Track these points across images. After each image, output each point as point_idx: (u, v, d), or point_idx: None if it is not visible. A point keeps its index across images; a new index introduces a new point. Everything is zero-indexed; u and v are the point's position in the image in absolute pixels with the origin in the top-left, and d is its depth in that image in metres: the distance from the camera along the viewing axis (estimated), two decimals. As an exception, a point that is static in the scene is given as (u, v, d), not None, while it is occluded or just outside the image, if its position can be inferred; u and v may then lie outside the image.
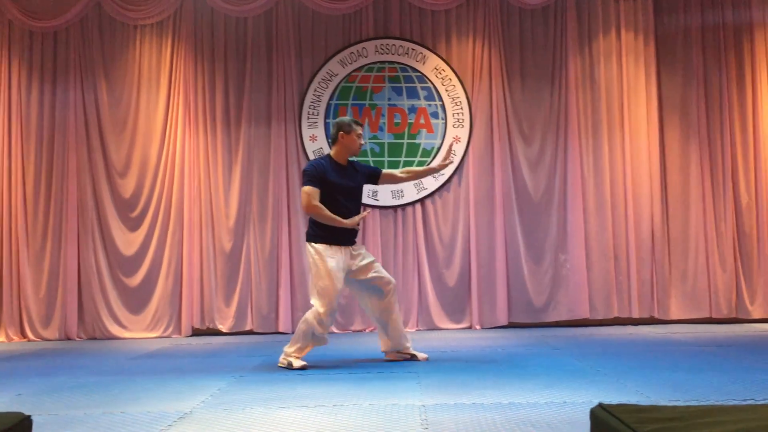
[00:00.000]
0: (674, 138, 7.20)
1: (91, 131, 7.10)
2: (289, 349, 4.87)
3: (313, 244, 4.81)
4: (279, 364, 4.88)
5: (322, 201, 4.79)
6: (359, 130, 5.02)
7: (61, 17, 7.07)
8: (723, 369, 4.41)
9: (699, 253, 7.08)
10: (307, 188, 4.80)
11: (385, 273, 5.05)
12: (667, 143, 7.21)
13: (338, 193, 4.85)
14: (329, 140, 5.07)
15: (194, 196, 7.06)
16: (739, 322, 7.02)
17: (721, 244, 7.10)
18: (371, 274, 4.94)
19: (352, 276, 4.91)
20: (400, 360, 5.03)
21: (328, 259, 4.75)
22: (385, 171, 5.28)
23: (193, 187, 7.06)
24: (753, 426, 1.80)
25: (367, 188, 6.98)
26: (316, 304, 4.74)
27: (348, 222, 4.81)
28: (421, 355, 5.07)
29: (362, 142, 5.12)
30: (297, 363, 4.79)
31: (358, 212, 5.01)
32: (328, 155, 5.03)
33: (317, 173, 4.82)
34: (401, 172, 5.38)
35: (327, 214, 4.77)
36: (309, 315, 4.77)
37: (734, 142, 7.20)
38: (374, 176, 5.17)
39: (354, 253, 4.92)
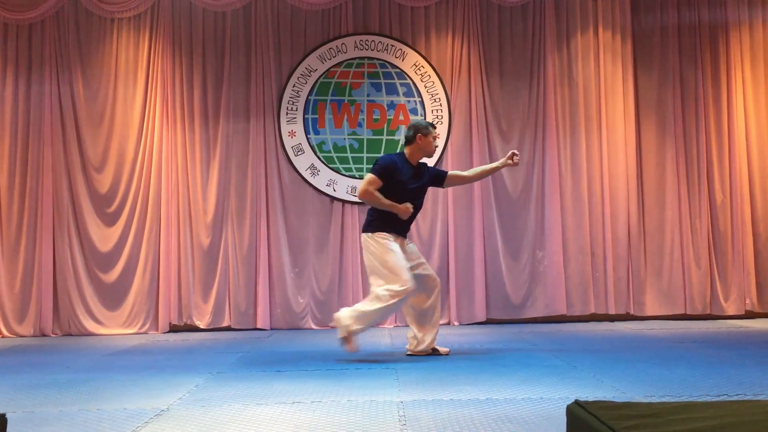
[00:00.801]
0: (650, 136, 7.27)
1: (66, 125, 7.02)
2: (355, 326, 4.77)
3: (371, 234, 4.89)
4: (339, 335, 4.82)
5: (386, 197, 4.88)
6: (435, 133, 5.13)
7: (36, 9, 6.98)
8: (697, 365, 4.46)
9: (674, 250, 7.16)
10: (370, 176, 4.89)
11: (431, 271, 5.13)
12: (643, 141, 7.27)
13: (404, 192, 4.93)
14: (404, 141, 5.11)
15: (172, 191, 7.01)
16: (713, 318, 7.10)
17: (695, 241, 7.19)
18: (420, 270, 5.01)
19: None
20: (423, 355, 5.03)
21: (390, 243, 4.87)
22: (451, 172, 5.35)
23: (171, 183, 7.01)
24: (726, 422, 1.83)
25: (346, 184, 6.99)
26: (393, 285, 4.72)
27: (401, 207, 4.88)
28: (443, 350, 5.10)
29: (437, 144, 5.25)
30: (354, 344, 4.81)
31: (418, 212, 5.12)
32: (402, 153, 5.08)
33: (388, 168, 4.92)
34: (468, 172, 5.42)
35: (382, 200, 4.87)
36: (380, 292, 4.73)
37: (709, 140, 7.28)
38: (440, 178, 5.24)
39: (407, 245, 5.05)
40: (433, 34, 7.23)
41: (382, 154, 7.06)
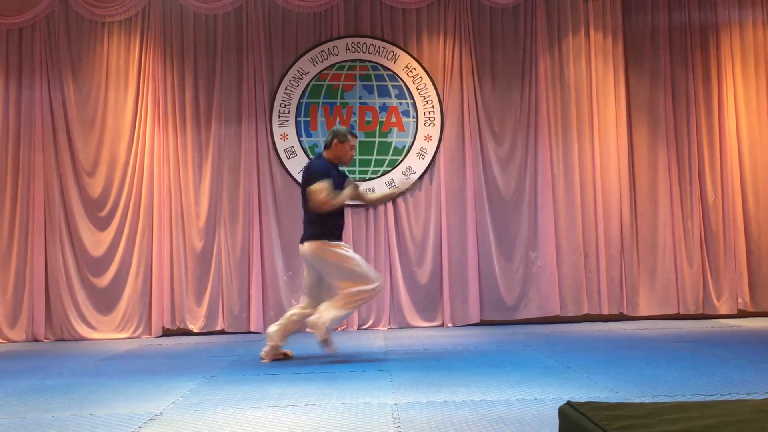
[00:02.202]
0: (642, 136, 7.29)
1: (58, 129, 6.99)
2: (331, 322, 4.88)
3: (326, 241, 4.96)
4: (319, 338, 4.89)
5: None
6: (353, 142, 5.18)
7: (26, 13, 6.95)
8: (690, 364, 4.48)
9: (667, 250, 7.18)
10: (321, 183, 4.89)
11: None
12: (635, 142, 7.30)
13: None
14: (323, 145, 5.19)
15: (164, 195, 6.99)
16: (705, 318, 7.13)
17: (688, 241, 7.21)
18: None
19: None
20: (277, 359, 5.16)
21: (344, 248, 5.03)
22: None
23: (163, 186, 7.00)
24: (719, 422, 1.83)
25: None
26: (362, 286, 4.88)
27: (352, 192, 5.03)
28: (289, 352, 5.26)
29: (353, 153, 5.28)
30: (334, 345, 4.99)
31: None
32: (325, 158, 5.15)
33: (327, 170, 4.99)
34: (370, 195, 5.56)
35: (342, 197, 4.96)
36: (353, 291, 4.87)
37: (701, 140, 7.31)
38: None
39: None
40: (424, 36, 7.23)
41: (374, 156, 7.07)
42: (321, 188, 4.87)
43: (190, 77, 7.08)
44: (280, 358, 5.16)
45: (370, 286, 4.93)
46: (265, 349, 5.14)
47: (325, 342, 4.91)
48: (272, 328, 5.15)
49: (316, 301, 5.08)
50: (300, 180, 6.96)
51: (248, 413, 3.43)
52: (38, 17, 7.00)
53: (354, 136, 5.20)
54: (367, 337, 6.24)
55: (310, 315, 5.02)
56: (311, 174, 4.99)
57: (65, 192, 6.94)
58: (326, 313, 4.88)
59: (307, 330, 5.18)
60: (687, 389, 3.69)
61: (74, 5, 7.00)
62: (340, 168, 5.28)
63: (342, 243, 5.07)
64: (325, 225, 4.99)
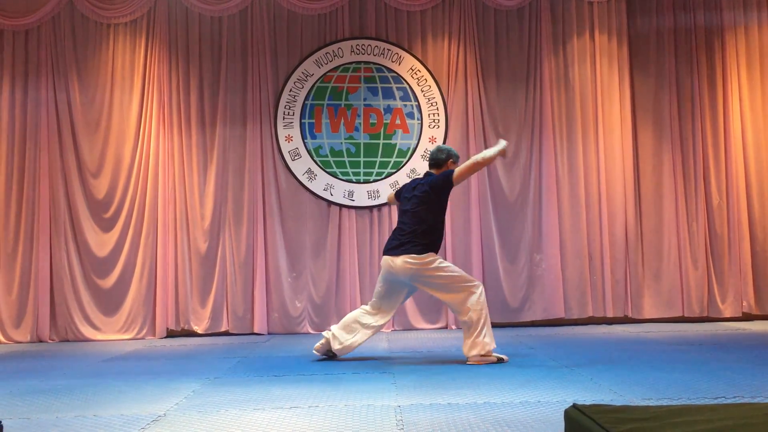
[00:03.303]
0: (647, 138, 7.28)
1: (63, 131, 7.01)
2: (485, 344, 4.81)
3: (432, 254, 4.90)
4: (474, 362, 4.80)
5: (441, 211, 5.03)
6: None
7: (32, 15, 6.98)
8: (695, 367, 4.46)
9: (671, 252, 7.16)
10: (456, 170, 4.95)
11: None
12: (640, 144, 7.28)
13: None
14: (433, 162, 5.17)
15: (169, 196, 7.00)
16: (710, 320, 7.11)
17: (692, 243, 7.19)
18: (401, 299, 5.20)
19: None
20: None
21: (443, 260, 5.02)
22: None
23: (168, 188, 7.00)
24: (724, 425, 1.82)
25: (343, 188, 7.00)
26: (475, 293, 4.88)
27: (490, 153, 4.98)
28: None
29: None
30: (501, 355, 4.89)
31: None
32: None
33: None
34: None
35: (490, 154, 4.96)
36: (474, 303, 4.85)
37: (706, 143, 7.29)
38: None
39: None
40: (429, 38, 7.23)
41: (379, 158, 7.06)
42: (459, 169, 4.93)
43: (195, 79, 7.09)
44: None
45: (478, 289, 4.99)
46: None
47: (494, 359, 4.90)
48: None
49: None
50: (301, 181, 7.00)
51: (252, 415, 3.43)
52: (44, 19, 7.02)
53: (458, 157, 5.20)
54: (370, 339, 6.22)
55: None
56: (438, 178, 4.97)
57: (70, 193, 6.96)
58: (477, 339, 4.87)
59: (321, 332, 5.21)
60: (692, 392, 3.68)
61: (80, 7, 7.02)
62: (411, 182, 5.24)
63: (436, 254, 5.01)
64: (425, 235, 4.94)
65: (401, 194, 5.22)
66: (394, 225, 6.98)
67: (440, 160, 5.12)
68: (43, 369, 5.14)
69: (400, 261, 4.88)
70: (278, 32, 7.17)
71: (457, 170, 4.94)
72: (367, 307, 5.13)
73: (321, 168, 7.04)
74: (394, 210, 7.05)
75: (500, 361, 4.84)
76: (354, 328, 5.06)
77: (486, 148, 7.12)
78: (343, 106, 7.13)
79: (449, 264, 5.02)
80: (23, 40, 7.06)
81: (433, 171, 5.14)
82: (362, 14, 7.21)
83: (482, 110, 7.17)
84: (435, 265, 4.89)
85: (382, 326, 5.13)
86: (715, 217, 7.24)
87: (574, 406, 2.13)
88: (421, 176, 5.41)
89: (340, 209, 7.06)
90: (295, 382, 4.29)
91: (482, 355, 4.79)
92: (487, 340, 4.82)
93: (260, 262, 6.92)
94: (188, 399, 3.87)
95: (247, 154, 7.04)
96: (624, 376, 4.21)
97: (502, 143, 5.01)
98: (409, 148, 7.11)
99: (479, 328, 4.82)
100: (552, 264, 7.05)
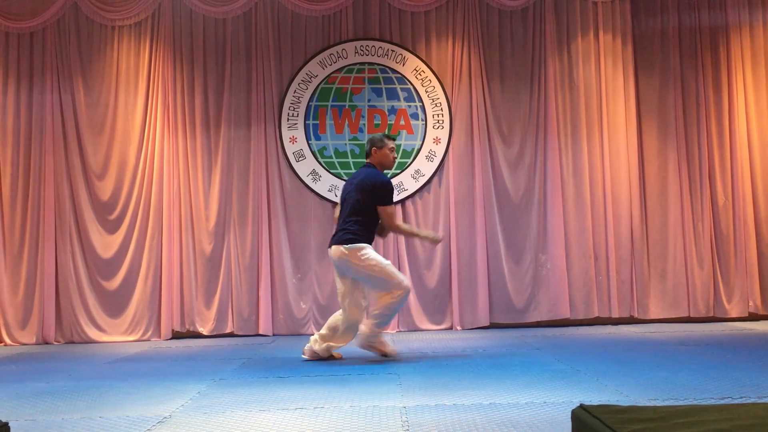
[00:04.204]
0: (652, 139, 7.27)
1: (68, 133, 7.03)
2: (376, 335, 5.08)
3: (361, 244, 4.98)
4: (364, 347, 5.10)
5: (373, 212, 5.08)
6: (391, 144, 5.23)
7: (37, 18, 7.00)
8: (701, 368, 4.45)
9: (677, 252, 7.14)
10: (391, 207, 5.11)
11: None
12: (645, 144, 7.27)
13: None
14: (365, 155, 5.31)
15: (174, 198, 7.01)
16: (716, 320, 7.09)
17: (698, 243, 7.18)
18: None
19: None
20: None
21: (377, 254, 5.09)
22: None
23: (173, 190, 7.01)
24: (731, 425, 1.82)
25: (348, 190, 6.99)
26: (397, 286, 4.97)
27: (423, 233, 5.59)
28: (337, 354, 5.30)
29: (395, 155, 5.39)
30: (389, 348, 5.13)
31: None
32: (373, 167, 5.20)
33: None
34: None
35: (408, 229, 5.59)
36: (388, 298, 4.98)
37: (711, 143, 7.27)
38: None
39: None
40: (433, 38, 7.23)
41: (383, 159, 7.05)
42: (392, 211, 5.12)
43: (200, 81, 7.10)
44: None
45: (404, 282, 5.12)
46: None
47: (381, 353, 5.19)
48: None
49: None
50: (306, 183, 7.00)
51: (257, 416, 3.43)
52: (49, 22, 7.03)
53: (390, 138, 5.25)
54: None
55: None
56: (384, 191, 5.06)
57: (75, 195, 6.97)
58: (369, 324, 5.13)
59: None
60: (698, 393, 3.67)
61: (85, 9, 7.04)
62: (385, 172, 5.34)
63: (370, 245, 5.12)
64: (360, 230, 5.04)
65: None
66: (399, 226, 7.03)
67: (366, 150, 5.28)
68: (48, 371, 5.15)
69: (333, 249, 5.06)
70: (282, 34, 7.18)
71: (389, 217, 5.08)
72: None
73: (325, 169, 7.04)
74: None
75: (384, 354, 5.09)
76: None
77: (490, 148, 7.14)
78: (347, 107, 7.13)
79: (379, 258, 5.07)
80: (28, 42, 7.08)
81: (367, 161, 5.28)
82: (366, 15, 7.21)
83: (486, 111, 7.16)
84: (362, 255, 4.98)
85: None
86: (720, 217, 7.22)
87: (581, 406, 2.13)
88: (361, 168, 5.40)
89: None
90: (301, 383, 4.29)
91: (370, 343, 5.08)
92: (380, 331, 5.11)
93: (265, 263, 6.92)
94: (194, 400, 3.87)
95: (252, 155, 7.04)
96: (630, 376, 4.20)
97: (436, 236, 5.50)
98: (413, 149, 7.10)
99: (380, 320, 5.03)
100: (557, 264, 7.04)
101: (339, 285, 5.13)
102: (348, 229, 5.02)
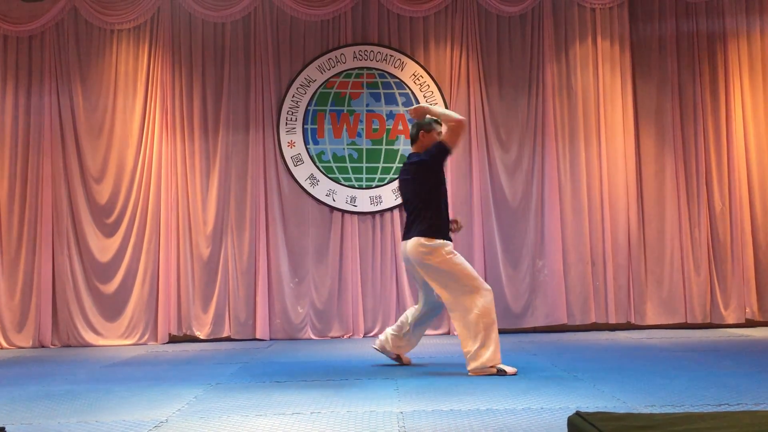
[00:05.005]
0: (649, 144, 7.28)
1: (66, 136, 7.02)
2: (485, 354, 4.53)
3: (436, 240, 4.69)
4: (475, 372, 4.56)
5: (435, 194, 4.78)
6: (439, 128, 4.93)
7: (36, 21, 7.00)
8: (698, 374, 4.45)
9: (674, 258, 7.15)
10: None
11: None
12: (642, 150, 7.28)
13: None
14: (411, 141, 5.07)
15: (171, 202, 7.00)
16: (713, 327, 7.09)
17: (695, 250, 7.18)
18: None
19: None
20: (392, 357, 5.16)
21: (454, 253, 4.75)
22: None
23: (171, 194, 7.01)
24: (727, 433, 1.82)
25: (345, 194, 7.00)
26: (478, 294, 4.64)
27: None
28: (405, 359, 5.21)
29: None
30: (509, 369, 4.56)
31: None
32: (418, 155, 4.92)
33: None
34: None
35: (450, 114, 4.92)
36: (479, 308, 4.59)
37: (708, 149, 7.28)
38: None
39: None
40: (432, 44, 7.24)
41: (381, 164, 7.07)
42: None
43: (198, 85, 7.10)
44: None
45: (486, 290, 4.82)
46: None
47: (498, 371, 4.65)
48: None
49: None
50: (304, 187, 7.00)
51: (254, 421, 3.43)
52: (47, 25, 7.04)
53: (439, 124, 4.92)
54: (372, 345, 6.21)
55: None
56: (428, 157, 4.78)
57: (73, 198, 6.97)
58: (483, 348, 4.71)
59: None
60: (695, 399, 3.67)
61: (83, 13, 7.04)
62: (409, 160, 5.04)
63: (447, 242, 4.81)
64: (433, 219, 4.76)
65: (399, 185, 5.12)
66: (397, 231, 7.02)
67: (412, 135, 4.99)
68: (45, 374, 5.15)
69: (410, 244, 4.74)
70: (281, 38, 7.18)
71: (445, 138, 4.80)
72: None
73: (323, 174, 7.04)
74: (396, 215, 7.05)
75: (501, 373, 4.53)
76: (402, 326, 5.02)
77: (488, 153, 7.14)
78: (345, 111, 7.14)
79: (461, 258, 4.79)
80: (27, 46, 7.08)
81: (413, 149, 5.02)
82: (365, 20, 7.23)
83: (485, 116, 7.17)
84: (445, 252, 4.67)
85: (426, 314, 5.03)
86: (717, 224, 7.22)
87: (577, 413, 2.13)
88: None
89: (343, 215, 7.06)
90: (298, 388, 4.29)
91: (482, 369, 4.56)
92: (489, 356, 4.53)
93: (262, 267, 6.92)
94: (190, 405, 3.87)
95: (250, 159, 7.04)
96: (627, 382, 4.20)
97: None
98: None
99: (482, 339, 4.57)
100: (554, 270, 7.04)
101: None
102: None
